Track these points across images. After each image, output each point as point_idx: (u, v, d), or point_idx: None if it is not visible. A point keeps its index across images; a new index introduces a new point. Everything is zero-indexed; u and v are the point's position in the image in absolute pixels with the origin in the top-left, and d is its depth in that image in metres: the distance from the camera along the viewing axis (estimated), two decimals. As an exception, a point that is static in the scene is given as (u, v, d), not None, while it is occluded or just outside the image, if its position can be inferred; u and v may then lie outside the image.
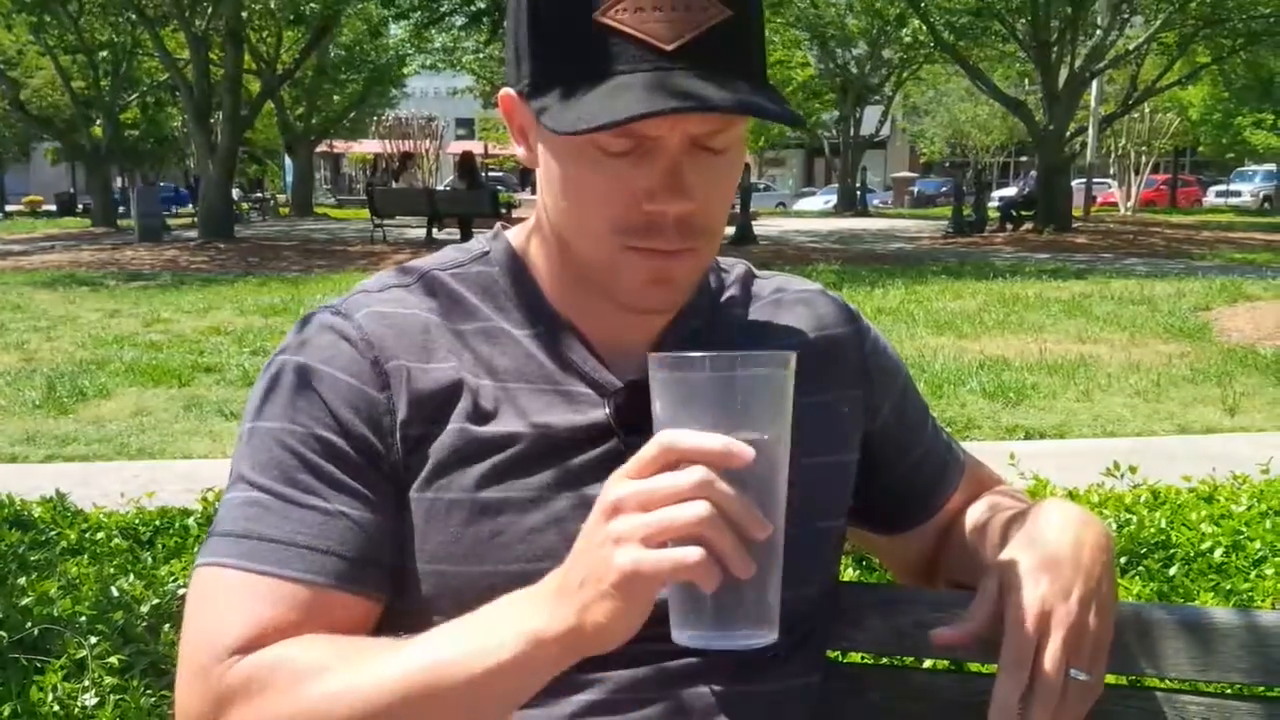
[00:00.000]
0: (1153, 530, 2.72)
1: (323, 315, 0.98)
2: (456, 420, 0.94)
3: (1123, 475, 3.10)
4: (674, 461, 0.74)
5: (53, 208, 39.10)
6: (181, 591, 2.35)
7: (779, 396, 0.79)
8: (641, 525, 0.74)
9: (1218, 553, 2.63)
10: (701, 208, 0.90)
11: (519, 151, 0.99)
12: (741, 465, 0.74)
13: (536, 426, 0.94)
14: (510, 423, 0.94)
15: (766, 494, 0.77)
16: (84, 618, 2.17)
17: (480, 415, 0.94)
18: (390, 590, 0.93)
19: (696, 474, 0.73)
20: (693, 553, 0.72)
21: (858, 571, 2.46)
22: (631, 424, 0.93)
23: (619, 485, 0.76)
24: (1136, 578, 2.59)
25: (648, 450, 0.75)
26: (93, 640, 2.10)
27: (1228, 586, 2.54)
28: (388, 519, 0.92)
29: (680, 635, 0.79)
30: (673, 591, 0.78)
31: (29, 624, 2.13)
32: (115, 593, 2.29)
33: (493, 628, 0.80)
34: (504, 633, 0.79)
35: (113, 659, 2.08)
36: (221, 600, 0.89)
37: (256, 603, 0.88)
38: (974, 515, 1.13)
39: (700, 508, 0.73)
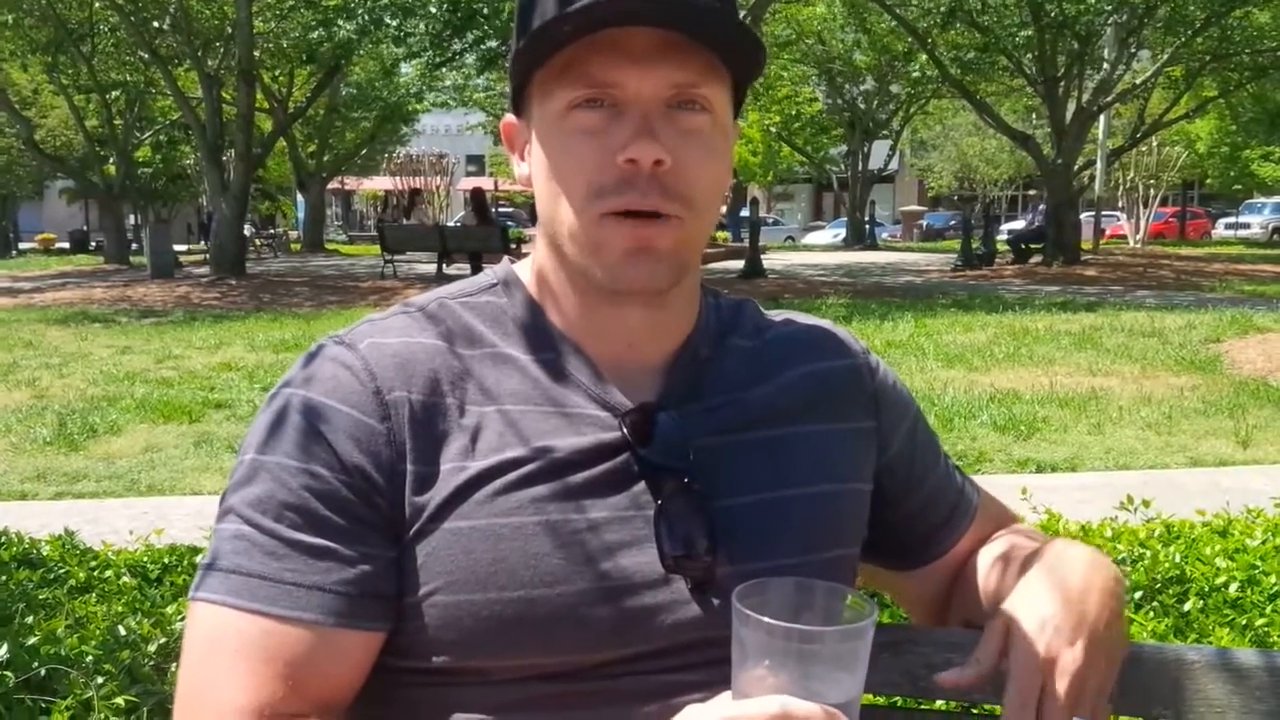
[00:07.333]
0: (1167, 565, 2.69)
1: (327, 346, 0.99)
2: (457, 457, 0.93)
3: (1136, 509, 3.08)
4: None
5: (66, 245, 39.32)
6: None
7: (865, 651, 0.79)
8: None
9: (1233, 588, 2.60)
10: (678, 167, 0.92)
11: (519, 171, 1.02)
12: None
13: (538, 450, 0.94)
14: (512, 448, 0.94)
15: None
16: (91, 657, 2.16)
17: (481, 445, 0.94)
18: (391, 620, 0.92)
19: None
20: None
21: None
22: (643, 444, 0.94)
23: None
24: (1152, 613, 2.56)
25: (765, 709, 0.74)
26: (99, 680, 2.08)
27: (1243, 622, 2.52)
28: (383, 551, 0.92)
29: None
30: None
31: (35, 664, 2.12)
32: (123, 632, 2.28)
33: None
34: None
35: (119, 699, 2.07)
36: (216, 645, 0.89)
37: (250, 651, 0.88)
38: (986, 555, 1.12)
39: None
